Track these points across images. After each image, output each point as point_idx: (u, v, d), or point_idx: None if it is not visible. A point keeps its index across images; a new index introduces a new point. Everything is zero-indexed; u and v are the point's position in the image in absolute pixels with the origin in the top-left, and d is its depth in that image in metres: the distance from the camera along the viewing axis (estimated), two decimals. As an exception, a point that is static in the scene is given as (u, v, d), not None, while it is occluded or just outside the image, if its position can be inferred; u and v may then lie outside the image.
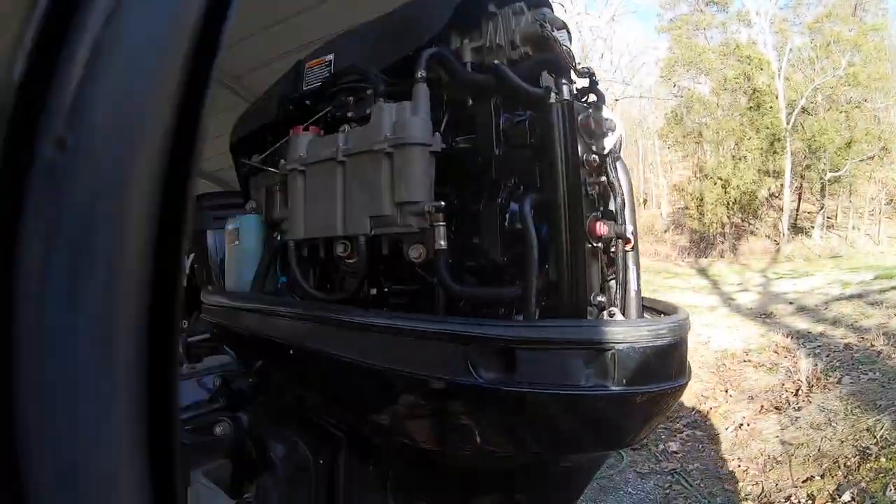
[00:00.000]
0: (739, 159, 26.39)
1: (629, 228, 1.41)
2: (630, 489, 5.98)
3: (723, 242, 27.36)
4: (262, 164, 1.77)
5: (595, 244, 1.32)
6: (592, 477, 1.60)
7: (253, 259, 1.74)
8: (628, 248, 1.42)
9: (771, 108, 25.79)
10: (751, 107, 26.36)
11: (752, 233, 27.79)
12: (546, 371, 1.12)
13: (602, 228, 1.30)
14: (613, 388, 1.11)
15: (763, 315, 12.49)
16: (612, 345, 1.11)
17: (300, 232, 1.56)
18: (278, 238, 1.67)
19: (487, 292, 1.32)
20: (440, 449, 1.31)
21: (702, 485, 5.84)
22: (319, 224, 1.51)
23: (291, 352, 1.46)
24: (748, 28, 28.60)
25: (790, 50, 27.14)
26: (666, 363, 1.21)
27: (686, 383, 1.28)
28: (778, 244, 26.07)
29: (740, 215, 27.66)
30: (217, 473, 1.95)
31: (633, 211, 1.44)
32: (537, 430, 1.20)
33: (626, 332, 1.14)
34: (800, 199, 28.40)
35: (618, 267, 1.39)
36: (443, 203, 1.31)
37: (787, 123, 25.69)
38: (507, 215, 1.32)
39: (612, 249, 1.37)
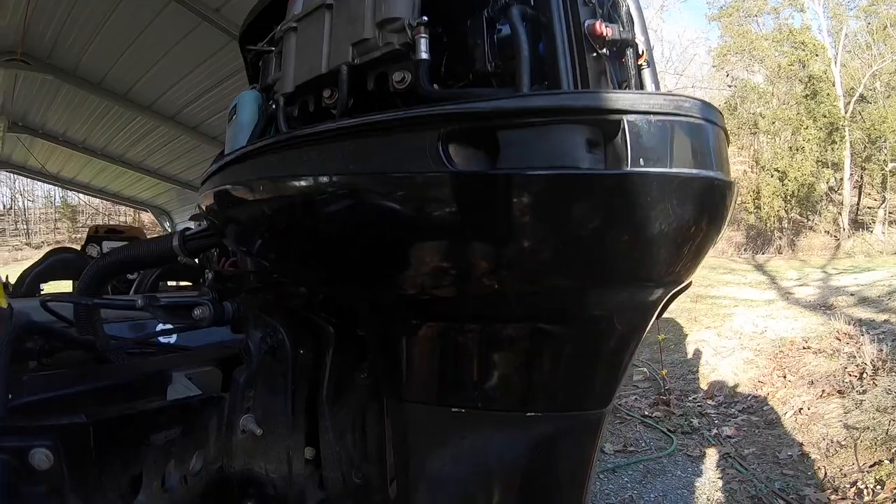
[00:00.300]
0: (797, 150, 25.53)
1: (640, 38, 1.23)
2: (679, 472, 5.69)
3: (780, 238, 26.49)
4: (265, 47, 1.67)
5: (599, 50, 1.11)
6: (629, 354, 1.33)
7: (248, 131, 1.59)
8: (642, 62, 1.21)
9: (828, 95, 24.89)
10: (807, 95, 25.45)
11: (811, 228, 26.88)
12: (537, 151, 0.91)
13: (605, 29, 1.09)
14: (627, 168, 0.89)
15: (823, 307, 11.94)
16: (622, 114, 0.90)
17: (289, 85, 1.44)
18: (273, 106, 1.52)
19: (471, 92, 1.11)
20: (416, 282, 1.11)
21: (758, 469, 5.51)
22: (305, 69, 1.40)
23: (261, 187, 1.27)
24: (801, 13, 27.93)
25: (845, 35, 26.26)
26: (695, 145, 0.99)
27: (729, 184, 1.07)
28: (838, 240, 25.13)
29: (798, 210, 26.81)
30: (204, 380, 1.83)
31: (643, 25, 1.25)
32: (529, 238, 0.97)
33: (638, 100, 0.91)
34: (860, 192, 27.37)
35: (630, 85, 1.18)
36: (426, 18, 1.17)
37: (845, 112, 24.75)
38: (497, 27, 1.18)
39: (622, 59, 1.17)
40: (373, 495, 1.79)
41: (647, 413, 7.35)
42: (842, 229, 25.33)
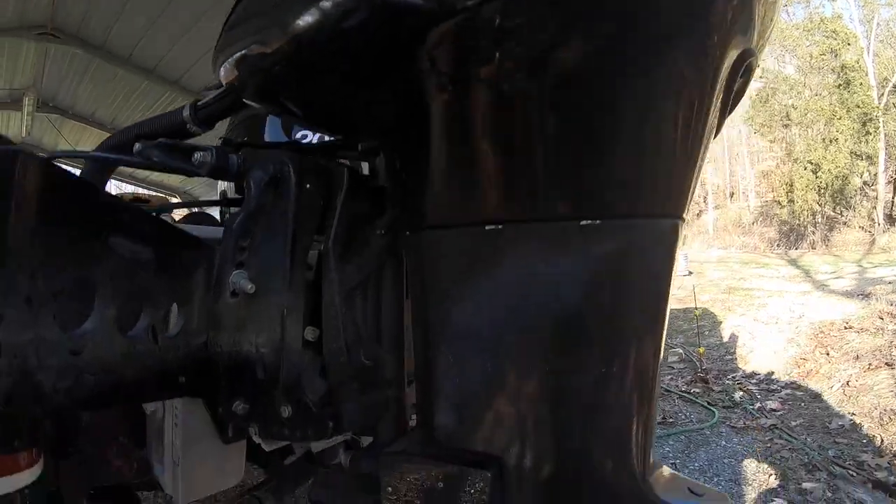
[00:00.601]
0: (830, 142, 25.05)
1: None
2: (724, 443, 5.46)
3: (814, 233, 26.00)
4: None
5: None
6: (703, 137, 1.15)
7: None
8: None
9: (861, 85, 24.46)
10: (839, 84, 25.03)
11: (845, 223, 26.33)
12: None
13: None
14: None
15: (860, 294, 11.61)
16: None
17: None
18: None
19: None
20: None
21: (808, 439, 5.27)
22: None
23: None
24: (832, 1, 27.66)
25: (877, 24, 25.82)
26: None
27: None
28: (872, 235, 24.58)
29: (832, 205, 26.29)
30: None
31: None
32: None
33: None
34: (895, 187, 26.77)
35: None
36: None
37: (879, 102, 24.27)
38: None
39: None
40: (384, 388, 1.55)
41: (685, 390, 7.11)
42: (876, 224, 24.79)
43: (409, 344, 1.60)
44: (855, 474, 4.44)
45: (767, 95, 27.79)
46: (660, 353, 1.22)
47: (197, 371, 1.41)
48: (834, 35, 25.59)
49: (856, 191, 26.12)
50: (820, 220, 26.28)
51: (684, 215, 1.19)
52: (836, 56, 25.40)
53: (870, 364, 6.67)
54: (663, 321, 1.20)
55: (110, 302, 1.21)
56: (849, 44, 25.32)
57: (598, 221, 1.09)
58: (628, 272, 1.15)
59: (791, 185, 26.21)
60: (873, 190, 25.80)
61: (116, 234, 1.22)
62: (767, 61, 28.21)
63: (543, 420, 1.18)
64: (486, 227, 1.13)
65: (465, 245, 1.20)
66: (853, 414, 5.64)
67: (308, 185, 1.42)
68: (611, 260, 1.12)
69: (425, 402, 1.33)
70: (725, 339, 9.82)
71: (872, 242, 23.72)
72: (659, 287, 1.18)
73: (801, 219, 26.31)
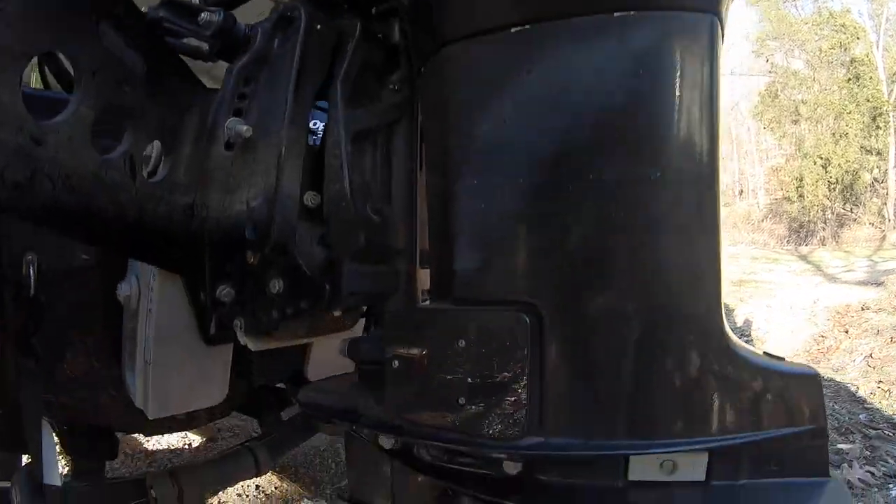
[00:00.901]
0: (840, 136, 24.96)
1: None
2: (747, 413, 5.29)
3: (824, 229, 25.87)
4: None
5: None
6: None
7: None
8: None
9: (871, 79, 24.46)
10: (849, 78, 25.02)
11: (854, 220, 26.19)
12: None
13: None
14: None
15: (874, 283, 11.45)
16: None
17: None
18: None
19: None
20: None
21: (836, 406, 5.16)
22: None
23: None
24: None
25: (886, 19, 25.86)
26: None
27: None
28: (883, 232, 24.41)
29: (842, 201, 26.16)
30: None
31: None
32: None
33: None
34: (905, 182, 26.69)
35: None
36: None
37: (889, 97, 24.21)
38: None
39: None
40: (391, 257, 1.42)
41: (702, 367, 6.97)
42: (887, 221, 24.65)
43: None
44: (892, 434, 4.31)
45: (776, 90, 27.78)
46: (716, 164, 1.06)
47: (178, 238, 1.28)
48: (843, 29, 25.59)
49: (866, 187, 25.98)
50: (830, 216, 26.15)
51: (723, 16, 1.07)
52: (845, 50, 25.40)
53: (891, 338, 6.59)
54: (714, 125, 1.05)
55: (90, 99, 1.06)
56: (858, 38, 25.32)
57: (632, 13, 1.00)
58: (669, 70, 1.03)
59: (801, 180, 26.13)
60: (883, 187, 25.65)
61: (110, 21, 1.07)
62: (776, 56, 28.19)
63: (589, 247, 1.04)
64: (512, 30, 1.04)
65: (488, 55, 1.09)
66: (880, 382, 5.55)
67: (319, 27, 1.33)
68: (649, 56, 1.02)
69: (443, 248, 1.20)
70: (740, 324, 9.66)
71: (883, 238, 23.58)
72: (704, 87, 1.04)
73: (811, 215, 26.20)
